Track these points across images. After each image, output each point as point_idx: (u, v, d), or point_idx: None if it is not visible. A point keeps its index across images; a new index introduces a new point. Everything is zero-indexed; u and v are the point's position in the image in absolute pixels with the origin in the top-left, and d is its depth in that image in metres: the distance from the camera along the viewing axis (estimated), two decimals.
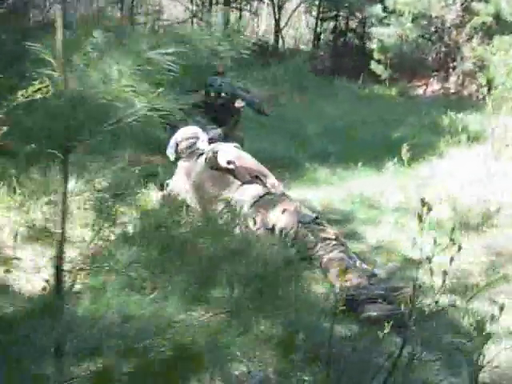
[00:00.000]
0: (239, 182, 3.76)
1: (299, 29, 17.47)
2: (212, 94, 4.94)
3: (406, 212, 4.54)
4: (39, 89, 3.44)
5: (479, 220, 4.35)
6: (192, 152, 4.07)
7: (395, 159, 5.68)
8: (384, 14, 11.34)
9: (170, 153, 4.18)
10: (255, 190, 3.71)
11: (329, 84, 11.00)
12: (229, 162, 3.84)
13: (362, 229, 4.17)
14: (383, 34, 10.86)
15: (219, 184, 3.74)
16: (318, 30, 14.99)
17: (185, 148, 4.10)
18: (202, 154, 4.05)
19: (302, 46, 16.32)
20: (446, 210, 4.41)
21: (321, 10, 14.75)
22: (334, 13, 14.19)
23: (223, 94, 5.01)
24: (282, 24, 15.04)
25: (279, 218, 3.50)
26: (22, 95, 3.50)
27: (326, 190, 5.05)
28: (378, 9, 11.30)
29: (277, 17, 14.76)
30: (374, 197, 4.97)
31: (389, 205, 4.78)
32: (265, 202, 3.62)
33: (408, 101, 10.02)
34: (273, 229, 3.49)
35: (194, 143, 4.16)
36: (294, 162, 5.70)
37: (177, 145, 4.12)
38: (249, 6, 16.72)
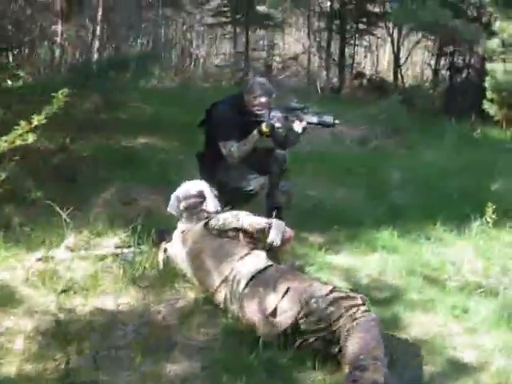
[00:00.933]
0: (243, 253, 3.08)
1: (417, 65, 16.53)
2: (265, 129, 4.01)
3: (473, 294, 3.63)
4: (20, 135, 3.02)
5: None
6: (193, 214, 3.45)
7: (483, 219, 4.79)
8: (502, 49, 10.16)
9: (172, 209, 3.57)
10: (253, 261, 3.01)
11: (437, 125, 9.98)
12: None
13: (407, 316, 3.30)
14: (497, 71, 9.67)
15: (219, 255, 3.09)
16: (437, 66, 14.03)
17: (185, 208, 3.50)
18: (207, 218, 3.40)
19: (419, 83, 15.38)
20: None
21: (438, 45, 13.80)
22: (452, 48, 13.14)
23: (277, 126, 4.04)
24: (402, 61, 14.25)
25: (280, 301, 2.78)
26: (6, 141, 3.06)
27: (384, 256, 4.20)
28: (494, 43, 10.13)
29: (395, 53, 13.95)
30: (442, 268, 4.09)
31: (456, 281, 3.87)
32: (265, 278, 2.91)
33: None
34: (274, 314, 2.78)
35: (199, 203, 3.56)
36: (356, 217, 4.89)
37: (178, 202, 3.52)
38: (365, 42, 16.07)
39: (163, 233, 3.67)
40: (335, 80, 14.59)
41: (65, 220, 3.62)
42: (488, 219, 4.64)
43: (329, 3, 14.53)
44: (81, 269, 3.39)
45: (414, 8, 10.40)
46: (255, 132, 4.05)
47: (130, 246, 3.63)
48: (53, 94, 2.98)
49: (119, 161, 5.73)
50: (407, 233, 4.68)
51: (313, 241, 4.35)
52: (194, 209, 3.45)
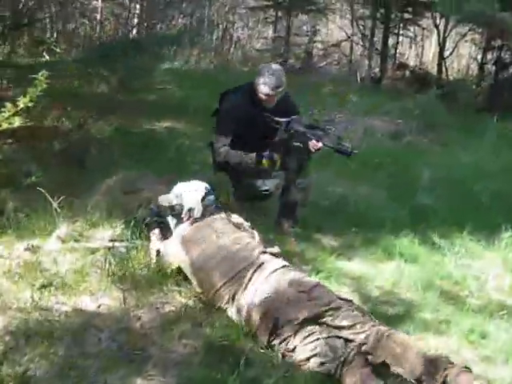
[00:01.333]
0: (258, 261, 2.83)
1: (463, 59, 15.85)
2: (265, 163, 3.86)
3: (495, 315, 3.28)
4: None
5: None
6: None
7: None
8: None
9: (164, 202, 3.29)
10: (270, 278, 2.76)
11: (478, 122, 9.46)
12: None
13: (417, 337, 2.96)
14: None
15: (229, 254, 2.86)
16: (483, 60, 13.36)
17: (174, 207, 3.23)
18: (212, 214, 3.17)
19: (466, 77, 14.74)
20: None
21: (485, 38, 13.12)
22: (499, 42, 12.45)
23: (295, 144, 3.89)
24: (447, 53, 13.64)
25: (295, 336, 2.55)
26: None
27: (401, 265, 3.86)
28: None
29: (441, 45, 13.34)
30: (464, 283, 3.74)
31: (478, 299, 3.53)
32: (280, 297, 2.65)
33: None
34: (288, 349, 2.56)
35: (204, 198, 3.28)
36: (377, 218, 4.55)
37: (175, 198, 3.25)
38: (409, 32, 15.45)
39: (153, 225, 3.46)
40: (377, 70, 14.07)
41: (55, 209, 3.41)
42: None
43: None
44: (67, 262, 3.18)
45: None
46: (254, 158, 3.85)
47: (123, 240, 3.41)
48: (33, 76, 2.75)
49: (136, 144, 5.54)
50: (430, 239, 4.32)
51: (326, 243, 4.05)
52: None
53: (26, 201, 3.72)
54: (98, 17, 13.01)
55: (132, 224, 3.40)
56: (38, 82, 2.72)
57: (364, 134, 7.44)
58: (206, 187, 3.37)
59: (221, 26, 17.08)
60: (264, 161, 3.84)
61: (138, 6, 12.91)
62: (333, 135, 4.17)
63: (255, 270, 2.82)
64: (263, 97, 3.86)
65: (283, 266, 2.89)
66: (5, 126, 2.88)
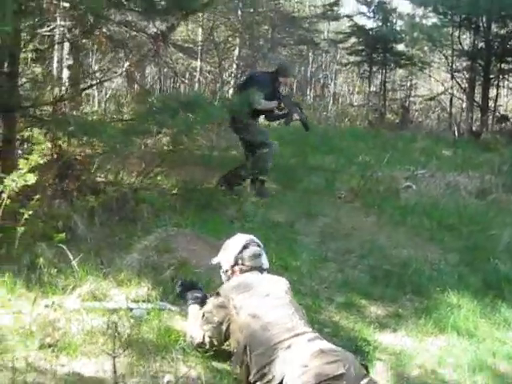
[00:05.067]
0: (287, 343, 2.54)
1: None
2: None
3: None
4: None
5: None
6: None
7: None
8: None
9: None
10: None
11: None
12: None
13: None
14: None
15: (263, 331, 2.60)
16: None
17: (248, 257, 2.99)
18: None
19: None
20: None
21: None
22: None
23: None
24: None
25: None
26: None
27: (453, 341, 3.41)
28: None
29: None
30: None
31: None
32: None
33: None
34: None
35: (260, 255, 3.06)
36: (440, 286, 4.13)
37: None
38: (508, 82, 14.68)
39: (188, 287, 3.29)
40: (478, 123, 13.39)
41: (78, 267, 3.35)
42: None
43: (469, 41, 13.52)
44: (82, 322, 3.08)
45: None
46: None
47: (144, 301, 3.28)
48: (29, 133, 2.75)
49: (192, 201, 5.41)
50: (496, 313, 3.84)
51: (370, 312, 3.69)
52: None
53: (59, 255, 3.70)
54: (197, 76, 13.54)
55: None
56: (36, 140, 2.71)
57: (446, 191, 6.96)
58: (249, 239, 3.15)
59: (316, 82, 17.17)
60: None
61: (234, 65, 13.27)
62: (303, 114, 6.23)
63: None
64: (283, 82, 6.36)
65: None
66: (21, 183, 2.88)
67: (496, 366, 3.18)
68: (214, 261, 3.20)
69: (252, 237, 3.19)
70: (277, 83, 6.13)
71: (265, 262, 3.10)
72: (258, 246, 3.15)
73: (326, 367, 2.33)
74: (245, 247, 3.08)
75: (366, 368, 2.48)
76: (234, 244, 3.14)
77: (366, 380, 2.33)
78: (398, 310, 3.77)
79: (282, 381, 2.39)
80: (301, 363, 2.36)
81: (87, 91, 7.54)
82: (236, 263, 3.05)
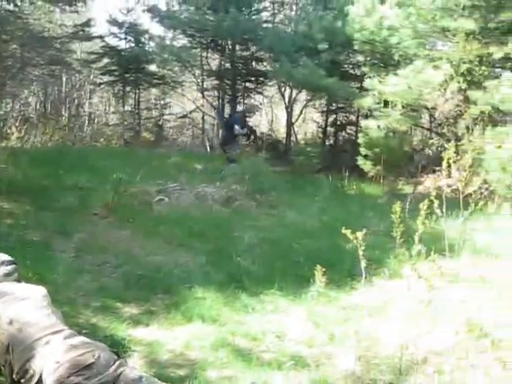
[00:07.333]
0: None
1: (311, 123, 16.77)
2: None
3: (283, 367, 3.34)
4: None
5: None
6: None
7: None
8: (376, 106, 10.37)
9: None
10: None
11: (314, 182, 9.97)
12: None
13: None
14: (371, 127, 9.83)
15: None
16: (326, 123, 14.20)
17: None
18: None
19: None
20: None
21: (325, 102, 14.01)
22: (335, 105, 13.39)
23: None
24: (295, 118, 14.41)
25: None
26: None
27: (199, 327, 3.85)
28: (368, 100, 10.32)
29: (288, 111, 14.03)
30: (262, 339, 3.78)
31: (274, 352, 3.58)
32: None
33: (391, 200, 8.66)
34: None
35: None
36: (190, 283, 4.58)
37: None
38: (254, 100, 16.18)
39: None
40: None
41: None
42: (318, 282, 4.41)
43: (217, 62, 14.66)
44: None
45: (289, 67, 10.52)
46: None
47: None
48: None
49: None
50: (238, 300, 4.40)
51: (124, 312, 3.99)
52: None
53: None
54: None
55: None
56: None
57: (195, 201, 7.56)
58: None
59: (70, 103, 16.96)
60: None
61: None
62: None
63: None
64: None
65: None
66: None
67: (236, 343, 3.69)
68: None
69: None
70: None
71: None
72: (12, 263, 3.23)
73: (78, 359, 2.56)
74: None
75: (117, 354, 2.75)
76: None
77: (117, 363, 2.60)
78: (150, 308, 4.12)
79: (41, 376, 2.56)
80: (54, 359, 2.56)
81: None
82: None
